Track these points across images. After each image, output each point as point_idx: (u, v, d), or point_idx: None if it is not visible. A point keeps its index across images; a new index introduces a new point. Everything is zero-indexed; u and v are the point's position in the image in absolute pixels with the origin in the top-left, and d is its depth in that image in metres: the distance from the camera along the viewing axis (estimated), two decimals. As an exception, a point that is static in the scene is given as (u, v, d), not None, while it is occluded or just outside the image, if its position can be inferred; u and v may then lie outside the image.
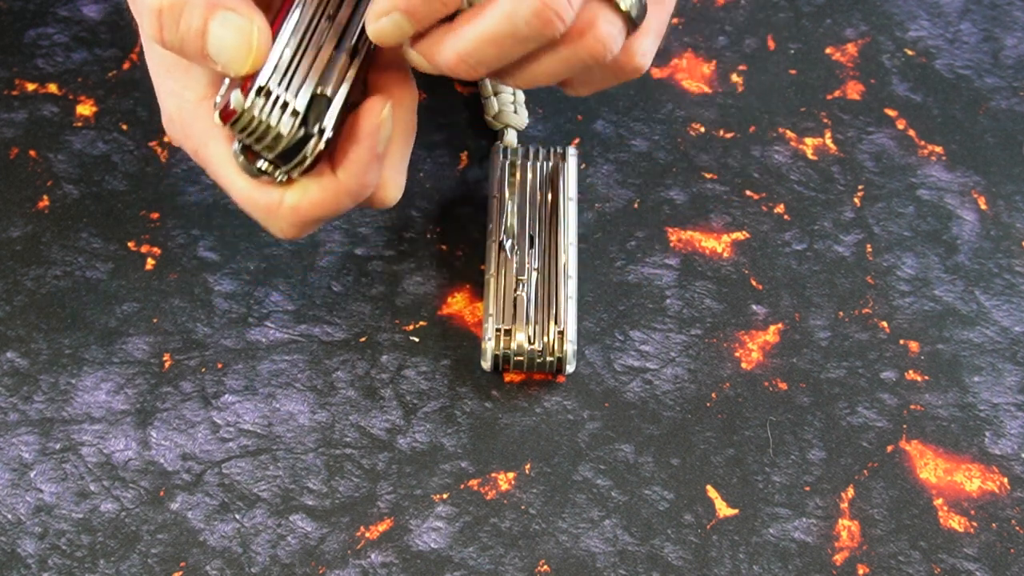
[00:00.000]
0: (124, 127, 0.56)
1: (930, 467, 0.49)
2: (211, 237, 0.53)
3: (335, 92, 0.42)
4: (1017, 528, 0.48)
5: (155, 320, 0.51)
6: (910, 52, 0.61)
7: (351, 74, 0.43)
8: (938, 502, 0.48)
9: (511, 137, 0.55)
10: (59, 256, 0.53)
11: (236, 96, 0.41)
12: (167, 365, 0.50)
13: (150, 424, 0.49)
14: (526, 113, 0.57)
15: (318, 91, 0.42)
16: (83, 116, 0.57)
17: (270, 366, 0.50)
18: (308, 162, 0.42)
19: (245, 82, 0.41)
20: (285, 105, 0.41)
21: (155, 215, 0.54)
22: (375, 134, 0.41)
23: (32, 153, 0.56)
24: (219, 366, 0.50)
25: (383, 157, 0.43)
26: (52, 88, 0.58)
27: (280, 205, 0.43)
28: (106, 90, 0.58)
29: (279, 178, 0.43)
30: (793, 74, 0.60)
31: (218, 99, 0.42)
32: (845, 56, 0.61)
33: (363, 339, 0.51)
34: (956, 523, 0.48)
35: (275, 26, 0.42)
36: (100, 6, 0.60)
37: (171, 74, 0.43)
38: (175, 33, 0.40)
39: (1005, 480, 0.49)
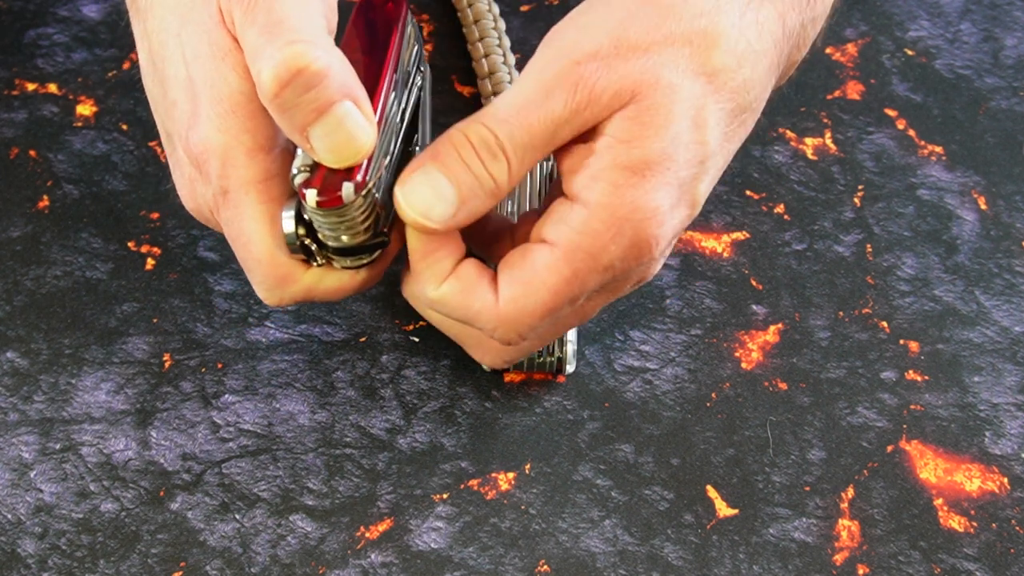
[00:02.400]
0: (124, 127, 0.56)
1: (930, 467, 0.49)
2: (211, 237, 0.53)
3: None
4: (1017, 528, 0.48)
5: (155, 320, 0.51)
6: (910, 52, 0.61)
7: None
8: (938, 502, 0.48)
9: (511, 137, 0.55)
10: (59, 256, 0.53)
11: (348, 190, 0.39)
12: (167, 365, 0.50)
13: (150, 424, 0.49)
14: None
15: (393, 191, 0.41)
16: (83, 116, 0.57)
17: (270, 366, 0.50)
18: (366, 262, 0.42)
19: (341, 171, 0.39)
20: (374, 205, 0.40)
21: (155, 215, 0.54)
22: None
23: (32, 153, 0.56)
24: (219, 366, 0.50)
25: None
26: (52, 88, 0.58)
27: (295, 280, 0.42)
28: (106, 90, 0.58)
29: (319, 262, 0.42)
30: (793, 74, 0.60)
31: (296, 171, 0.40)
32: (845, 56, 0.61)
33: (363, 339, 0.51)
34: (956, 523, 0.48)
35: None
36: (100, 6, 0.60)
37: (230, 112, 0.40)
38: (292, 99, 0.38)
39: (1005, 480, 0.49)
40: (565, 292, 0.40)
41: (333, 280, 0.43)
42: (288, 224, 0.41)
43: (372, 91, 0.40)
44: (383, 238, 0.42)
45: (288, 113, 0.38)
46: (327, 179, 0.39)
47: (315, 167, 0.40)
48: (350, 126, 0.38)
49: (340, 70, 0.38)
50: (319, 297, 0.43)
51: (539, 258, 0.40)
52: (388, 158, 0.42)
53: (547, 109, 0.39)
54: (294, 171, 0.40)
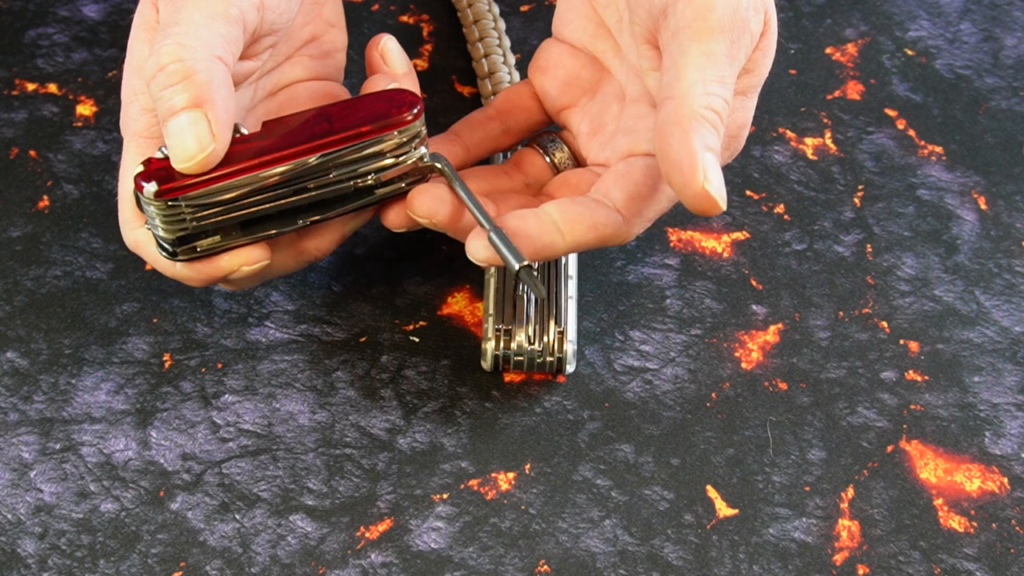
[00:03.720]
0: (124, 127, 0.56)
1: (930, 467, 0.49)
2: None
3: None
4: (1017, 528, 0.48)
5: (155, 320, 0.51)
6: (910, 52, 0.61)
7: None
8: (938, 502, 0.48)
9: (511, 137, 0.56)
10: (59, 256, 0.53)
11: (149, 188, 0.43)
12: (167, 365, 0.50)
13: (150, 424, 0.49)
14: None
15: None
16: (83, 116, 0.57)
17: (270, 366, 0.50)
18: (171, 257, 0.45)
19: (176, 173, 0.43)
20: (182, 220, 0.44)
21: (155, 215, 0.54)
22: (227, 270, 0.45)
23: (32, 153, 0.56)
24: (219, 366, 0.50)
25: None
26: (52, 88, 0.58)
27: (134, 227, 0.46)
28: (106, 90, 0.58)
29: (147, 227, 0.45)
30: (793, 74, 0.60)
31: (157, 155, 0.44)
32: (845, 56, 0.61)
33: (363, 339, 0.51)
34: (956, 523, 0.48)
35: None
36: (100, 6, 0.60)
37: (136, 73, 0.45)
38: (156, 91, 0.42)
39: (1005, 480, 0.49)
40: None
41: (154, 249, 0.46)
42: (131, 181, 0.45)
43: (279, 148, 0.44)
44: (192, 254, 0.45)
45: (156, 102, 0.42)
46: (161, 167, 0.43)
47: (167, 158, 0.43)
48: (191, 135, 0.42)
49: (206, 82, 0.42)
50: (146, 257, 0.46)
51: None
52: (238, 199, 0.44)
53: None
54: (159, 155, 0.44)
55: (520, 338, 0.49)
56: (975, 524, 0.48)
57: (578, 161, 0.50)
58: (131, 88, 0.45)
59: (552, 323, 0.49)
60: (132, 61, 0.45)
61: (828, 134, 0.58)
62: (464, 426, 0.49)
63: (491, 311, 0.50)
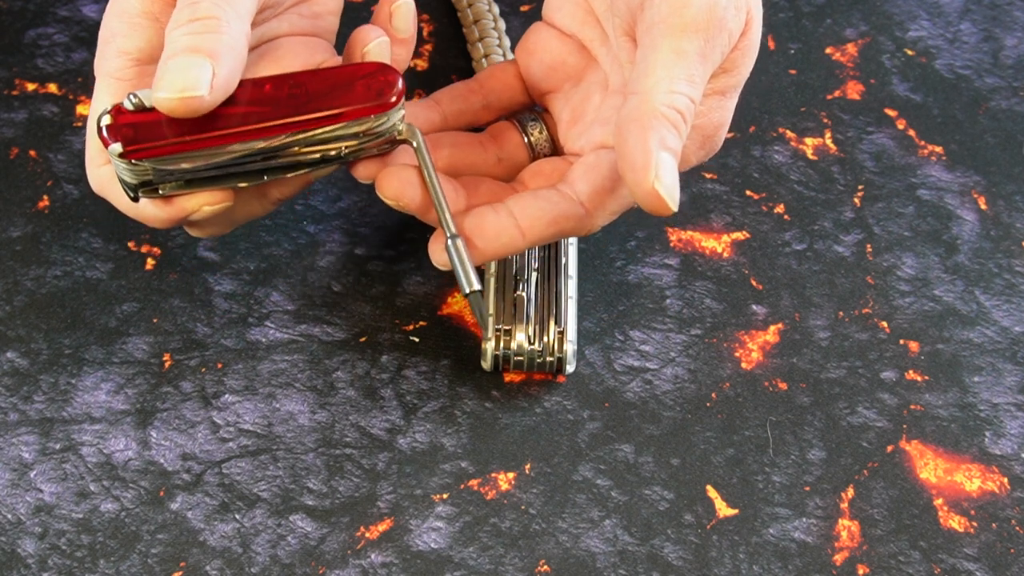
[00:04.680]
0: (124, 127, 0.56)
1: (930, 467, 0.49)
2: (211, 237, 0.53)
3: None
4: (1017, 528, 0.48)
5: (155, 320, 0.51)
6: (910, 52, 0.61)
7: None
8: (938, 502, 0.48)
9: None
10: (59, 256, 0.53)
11: (114, 147, 0.42)
12: (167, 365, 0.50)
13: (150, 424, 0.49)
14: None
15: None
16: (83, 116, 0.57)
17: (270, 366, 0.50)
18: (136, 194, 0.45)
19: (143, 127, 0.43)
20: (144, 175, 0.44)
21: (155, 215, 0.54)
22: (190, 209, 0.45)
23: (32, 153, 0.56)
24: (219, 366, 0.50)
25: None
26: (52, 88, 0.58)
27: (100, 163, 0.46)
28: (106, 90, 0.58)
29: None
30: (793, 74, 0.60)
31: (127, 99, 0.43)
32: (845, 56, 0.61)
33: (363, 339, 0.51)
34: (956, 523, 0.48)
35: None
36: (100, 6, 0.60)
37: (121, 15, 0.45)
38: (182, 33, 0.42)
39: (1005, 480, 0.49)
40: None
41: (119, 190, 0.46)
42: (99, 119, 0.44)
43: (249, 122, 0.43)
44: (155, 195, 0.44)
45: (170, 42, 0.42)
46: (127, 124, 0.42)
47: (140, 109, 0.43)
48: (193, 74, 0.41)
49: (228, 45, 0.41)
50: (110, 198, 0.46)
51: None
52: (202, 164, 0.43)
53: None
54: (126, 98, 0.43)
55: (520, 338, 0.49)
56: (975, 524, 0.48)
57: (555, 145, 0.50)
58: (110, 30, 0.45)
59: (552, 323, 0.49)
60: (117, 5, 0.45)
61: (828, 134, 0.58)
62: (464, 426, 0.49)
63: (491, 311, 0.50)
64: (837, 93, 0.59)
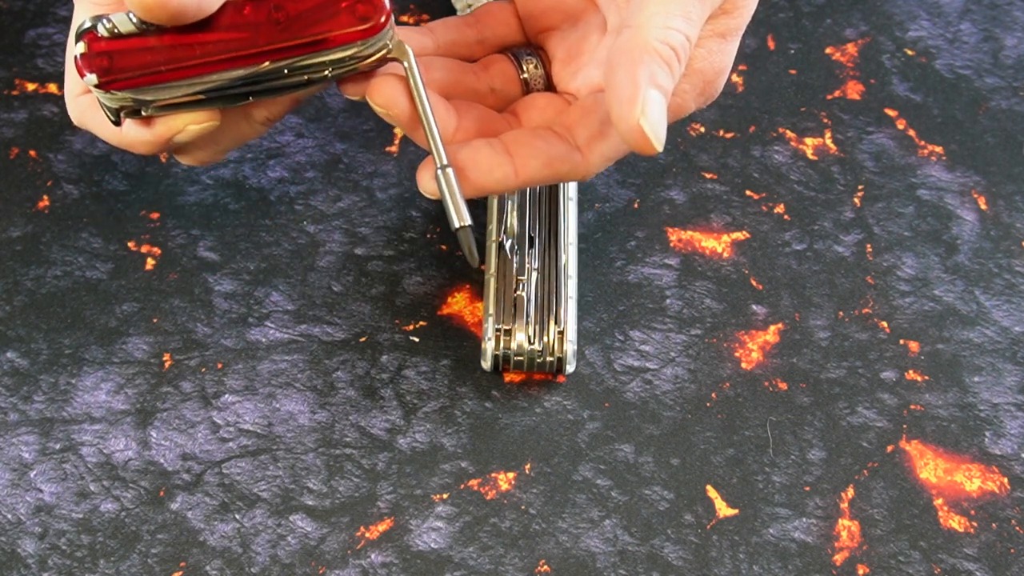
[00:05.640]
0: (124, 127, 0.56)
1: (930, 467, 0.49)
2: (211, 237, 0.53)
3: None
4: (1017, 528, 0.48)
5: (155, 320, 0.51)
6: (910, 52, 0.61)
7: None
8: (938, 502, 0.48)
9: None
10: (59, 256, 0.53)
11: (90, 78, 0.41)
12: (167, 365, 0.50)
13: (150, 424, 0.49)
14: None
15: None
16: (83, 116, 0.57)
17: (270, 366, 0.50)
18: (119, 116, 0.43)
19: (117, 56, 0.41)
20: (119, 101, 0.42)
21: (155, 215, 0.54)
22: (175, 128, 0.44)
23: (32, 153, 0.56)
24: (219, 366, 0.50)
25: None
26: (52, 88, 0.58)
27: (78, 80, 0.45)
28: (106, 90, 0.58)
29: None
30: (793, 74, 0.60)
31: (101, 23, 0.42)
32: (845, 56, 0.61)
33: (363, 339, 0.51)
34: (956, 523, 0.48)
35: None
36: (100, 6, 0.60)
37: None
38: None
39: (1005, 480, 0.49)
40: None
41: (101, 120, 0.44)
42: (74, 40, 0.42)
43: (229, 51, 0.41)
44: (136, 117, 0.43)
45: None
46: (102, 52, 0.41)
47: (115, 36, 0.41)
48: None
49: None
50: (92, 129, 0.45)
51: None
52: (190, 91, 0.42)
53: None
54: (98, 23, 0.41)
55: (520, 338, 0.49)
56: (975, 524, 0.48)
57: (549, 83, 0.49)
58: None
59: (552, 323, 0.49)
60: None
61: (828, 134, 0.58)
62: (464, 426, 0.49)
63: (491, 311, 0.50)
64: (837, 93, 0.59)
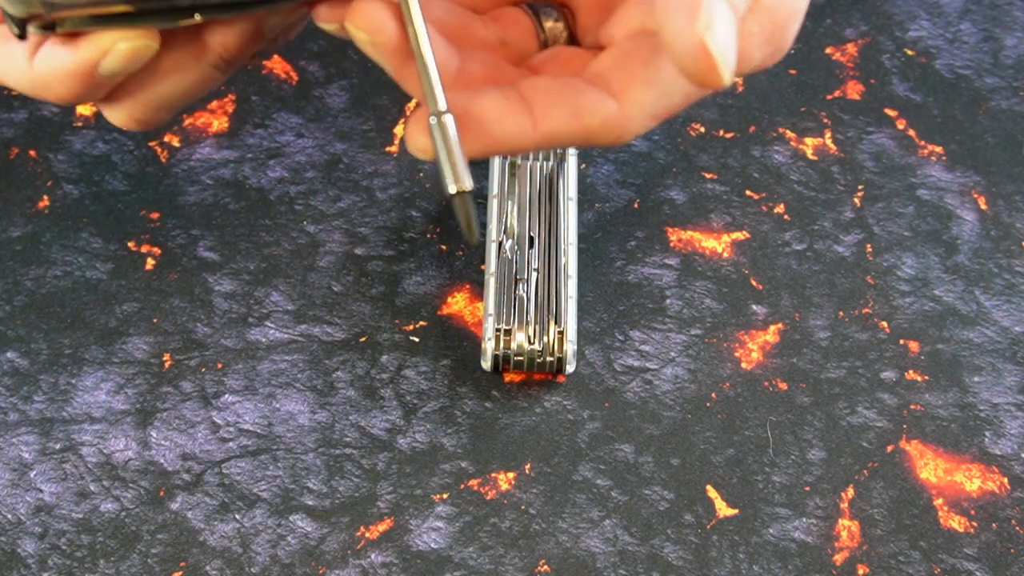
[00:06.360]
0: (124, 127, 0.56)
1: (930, 467, 0.49)
2: (211, 237, 0.53)
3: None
4: (1017, 528, 0.48)
5: (155, 320, 0.51)
6: (910, 52, 0.61)
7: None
8: (938, 502, 0.48)
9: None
10: (59, 256, 0.53)
11: None
12: (167, 365, 0.50)
13: (150, 424, 0.49)
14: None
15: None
16: (83, 116, 0.57)
17: (270, 366, 0.50)
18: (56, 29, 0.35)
19: None
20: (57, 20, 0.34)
21: (155, 215, 0.54)
22: (100, 49, 0.35)
23: (32, 153, 0.56)
24: (219, 366, 0.50)
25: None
26: (52, 88, 0.58)
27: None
28: (106, 90, 0.58)
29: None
30: (793, 74, 0.60)
31: None
32: (845, 56, 0.61)
33: (363, 339, 0.51)
34: (956, 523, 0.48)
35: None
36: (100, 6, 0.60)
37: None
38: None
39: (1005, 480, 0.49)
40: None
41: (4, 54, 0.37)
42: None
43: None
44: (49, 31, 0.35)
45: None
46: None
47: None
48: None
49: None
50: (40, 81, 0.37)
51: None
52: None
53: None
54: None
55: (520, 338, 0.49)
56: (975, 524, 0.48)
57: (574, 41, 0.40)
58: None
59: (552, 323, 0.49)
60: None
61: (828, 134, 0.58)
62: (464, 426, 0.49)
63: (491, 311, 0.50)
64: (837, 93, 0.59)
